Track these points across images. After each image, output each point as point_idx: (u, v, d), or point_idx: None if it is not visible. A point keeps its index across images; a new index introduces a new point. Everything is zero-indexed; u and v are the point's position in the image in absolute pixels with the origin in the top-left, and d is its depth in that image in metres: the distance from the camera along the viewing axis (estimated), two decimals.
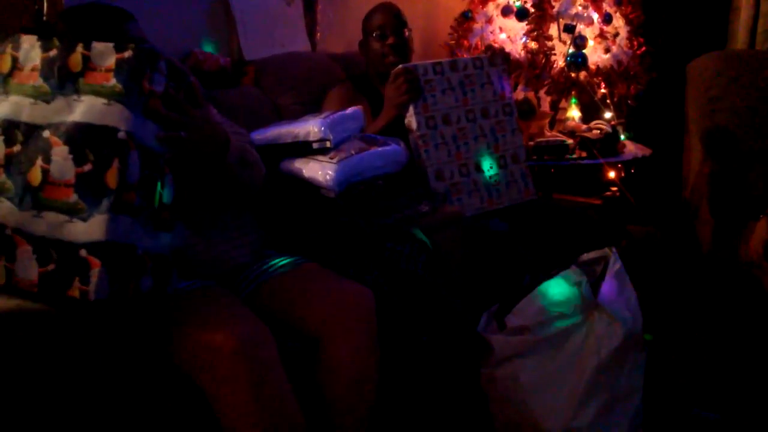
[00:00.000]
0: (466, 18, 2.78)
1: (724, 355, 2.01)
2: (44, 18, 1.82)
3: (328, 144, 1.72)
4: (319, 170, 1.69)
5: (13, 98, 1.21)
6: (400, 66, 1.97)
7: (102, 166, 1.16)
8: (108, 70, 1.20)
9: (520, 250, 1.97)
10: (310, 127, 1.73)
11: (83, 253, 1.15)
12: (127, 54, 1.20)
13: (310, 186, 1.71)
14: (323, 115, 1.78)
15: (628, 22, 2.70)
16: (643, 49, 2.71)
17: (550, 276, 1.74)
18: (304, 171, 1.72)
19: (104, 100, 1.19)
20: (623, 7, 2.70)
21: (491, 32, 2.72)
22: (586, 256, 1.78)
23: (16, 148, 1.19)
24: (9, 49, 1.23)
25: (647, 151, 2.64)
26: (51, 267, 1.16)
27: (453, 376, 1.71)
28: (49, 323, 1.15)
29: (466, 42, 2.73)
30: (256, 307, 1.35)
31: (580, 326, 1.68)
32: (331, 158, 1.70)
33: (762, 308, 1.94)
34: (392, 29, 2.13)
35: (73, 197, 1.16)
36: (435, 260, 1.69)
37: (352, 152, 1.72)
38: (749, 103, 2.35)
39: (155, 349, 1.27)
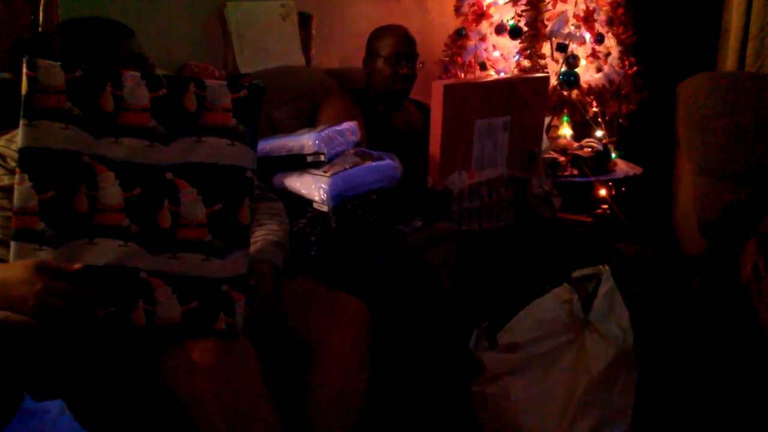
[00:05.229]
0: (460, 35, 2.80)
1: (716, 376, 2.01)
2: (39, 29, 1.80)
3: (322, 158, 1.72)
4: (313, 184, 1.69)
5: (126, 141, 1.18)
6: None
7: (233, 204, 1.19)
8: (225, 110, 1.19)
9: (512, 266, 1.97)
10: (305, 141, 1.73)
11: (225, 287, 1.19)
12: (243, 93, 1.20)
13: (304, 200, 1.71)
14: (318, 129, 1.78)
15: (620, 42, 2.73)
16: (635, 69, 2.74)
17: (542, 293, 1.74)
18: (298, 185, 1.72)
19: (227, 141, 1.19)
20: (615, 28, 2.73)
21: (485, 50, 2.75)
22: (578, 273, 1.78)
23: (136, 191, 1.18)
24: (109, 88, 1.17)
25: (638, 170, 2.66)
26: (194, 304, 1.18)
27: (443, 392, 1.70)
28: (37, 334, 1.13)
29: (459, 59, 2.75)
30: (248, 319, 1.34)
31: (571, 344, 1.67)
32: (325, 172, 1.70)
33: (754, 330, 1.94)
34: (407, 58, 2.14)
35: (208, 237, 1.18)
36: (428, 276, 1.68)
37: (347, 166, 1.72)
38: (740, 124, 2.37)
39: (142, 364, 1.26)
